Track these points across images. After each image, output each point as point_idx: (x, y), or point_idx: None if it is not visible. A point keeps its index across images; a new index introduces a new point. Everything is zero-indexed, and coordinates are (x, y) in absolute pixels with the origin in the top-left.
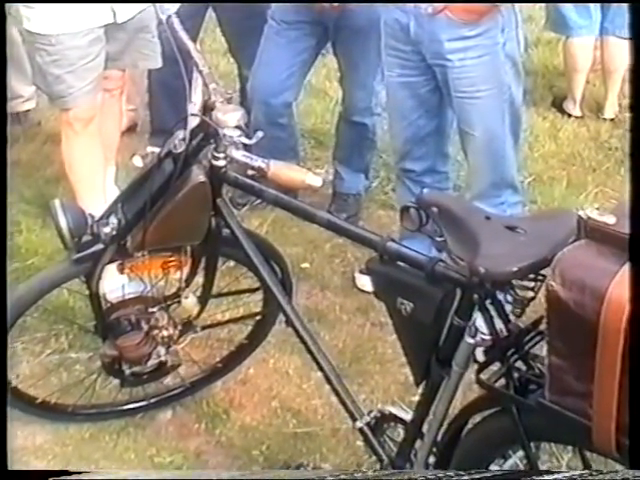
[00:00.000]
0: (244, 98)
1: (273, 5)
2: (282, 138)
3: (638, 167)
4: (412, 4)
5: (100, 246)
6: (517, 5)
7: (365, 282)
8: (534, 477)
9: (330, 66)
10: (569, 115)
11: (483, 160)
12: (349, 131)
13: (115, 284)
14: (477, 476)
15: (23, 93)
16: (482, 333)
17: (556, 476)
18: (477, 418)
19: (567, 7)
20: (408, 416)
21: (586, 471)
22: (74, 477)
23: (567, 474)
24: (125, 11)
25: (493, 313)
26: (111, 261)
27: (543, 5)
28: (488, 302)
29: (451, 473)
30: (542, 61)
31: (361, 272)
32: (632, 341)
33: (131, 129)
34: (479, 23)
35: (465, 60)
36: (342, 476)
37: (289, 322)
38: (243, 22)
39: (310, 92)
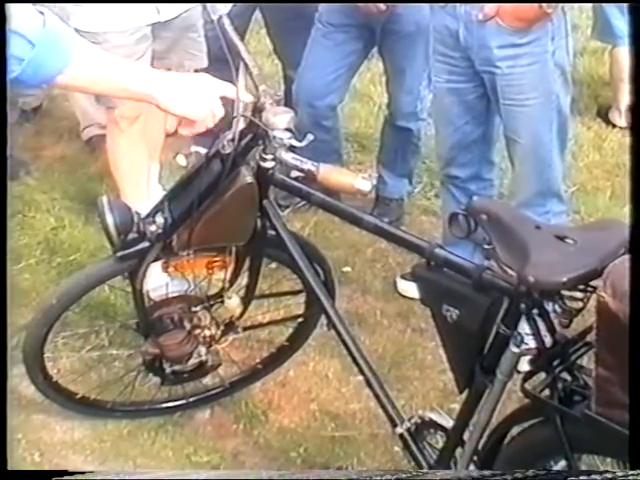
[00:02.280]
0: (289, 100)
1: (321, 8)
2: (326, 141)
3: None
4: (463, 10)
5: (146, 244)
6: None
7: (407, 287)
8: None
9: (375, 70)
10: (614, 125)
11: (529, 168)
12: (394, 136)
13: (159, 282)
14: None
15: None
16: (528, 342)
17: (594, 476)
18: (519, 428)
19: (614, 15)
20: (449, 423)
21: (625, 471)
22: (75, 477)
23: (608, 475)
24: (169, 9)
25: (540, 323)
26: (156, 259)
27: (590, 13)
28: (535, 312)
29: (487, 473)
30: (587, 70)
31: (404, 277)
32: (632, 340)
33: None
34: (529, 31)
35: (514, 67)
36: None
37: (332, 325)
38: (289, 23)
39: (354, 96)
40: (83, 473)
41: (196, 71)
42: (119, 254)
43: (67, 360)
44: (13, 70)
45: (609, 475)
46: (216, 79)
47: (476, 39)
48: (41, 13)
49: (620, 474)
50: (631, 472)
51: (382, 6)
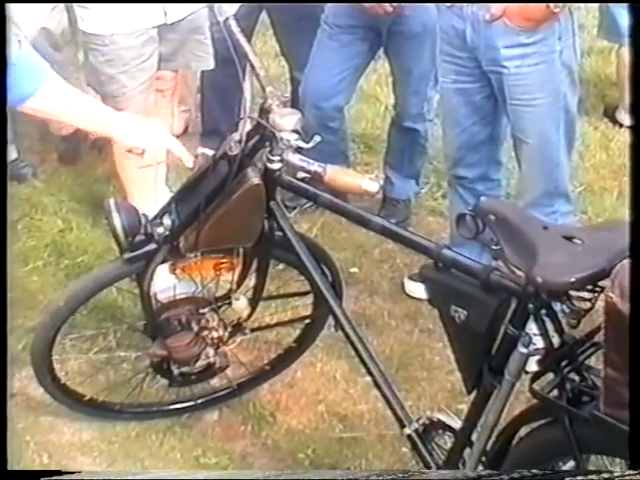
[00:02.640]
0: (295, 101)
1: (327, 9)
2: (333, 142)
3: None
4: (470, 10)
5: (153, 246)
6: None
7: (414, 288)
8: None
9: (381, 71)
10: (621, 125)
11: (537, 168)
12: (401, 137)
13: (166, 284)
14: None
15: None
16: (536, 343)
17: (604, 475)
18: (527, 428)
19: (621, 15)
20: (457, 424)
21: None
22: (67, 477)
23: (617, 473)
24: (176, 11)
25: (548, 323)
26: (163, 261)
27: (596, 13)
28: (543, 312)
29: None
30: (594, 70)
31: (411, 278)
32: (632, 340)
33: (183, 130)
34: (536, 30)
35: (521, 67)
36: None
37: (339, 326)
38: (296, 24)
39: (361, 97)
40: (73, 473)
41: (203, 73)
42: (126, 256)
43: (75, 362)
44: None
45: (606, 475)
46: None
47: (483, 39)
48: (18, 37)
49: (617, 474)
50: (630, 472)
51: (389, 7)
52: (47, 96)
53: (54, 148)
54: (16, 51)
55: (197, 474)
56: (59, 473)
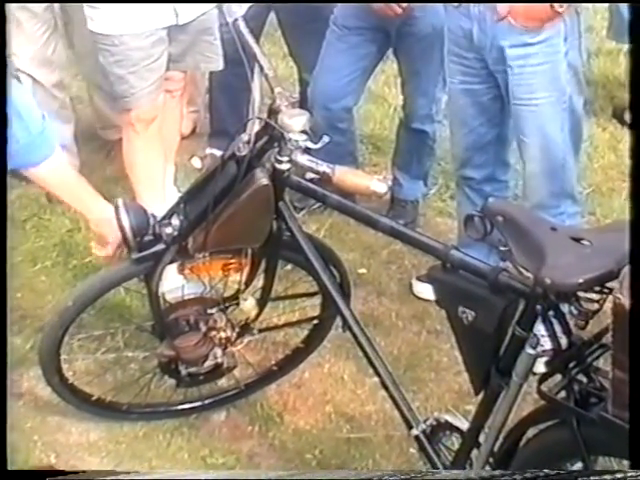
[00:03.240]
0: (304, 102)
1: (335, 10)
2: (341, 143)
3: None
4: (477, 10)
5: (161, 246)
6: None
7: (422, 289)
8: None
9: (389, 72)
10: (630, 126)
11: (541, 169)
12: (409, 138)
13: (175, 284)
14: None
15: None
16: (544, 344)
17: (617, 475)
18: (535, 430)
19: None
20: (464, 425)
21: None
22: (72, 477)
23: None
24: (187, 13)
25: (556, 324)
26: (172, 261)
27: (605, 15)
28: (551, 313)
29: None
30: (603, 71)
31: (419, 279)
32: (632, 340)
33: (191, 130)
34: (541, 30)
35: (525, 67)
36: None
37: (347, 327)
38: (305, 26)
39: (369, 98)
40: (77, 473)
41: (211, 73)
42: (135, 256)
43: (83, 362)
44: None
45: (619, 475)
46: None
47: (489, 39)
48: (43, 115)
49: (631, 474)
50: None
51: (398, 9)
52: (48, 170)
53: None
54: (38, 121)
55: (204, 474)
56: (62, 473)
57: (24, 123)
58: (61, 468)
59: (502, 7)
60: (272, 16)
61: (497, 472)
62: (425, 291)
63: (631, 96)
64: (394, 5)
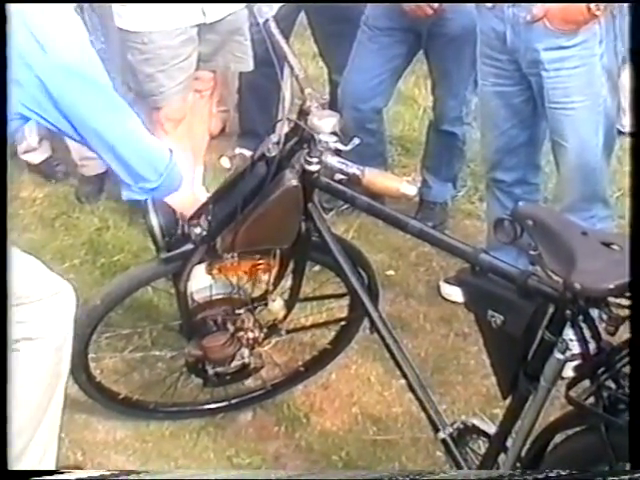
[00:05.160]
0: (334, 103)
1: (366, 11)
2: (371, 144)
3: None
4: (510, 12)
5: (190, 246)
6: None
7: (450, 292)
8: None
9: (419, 73)
10: (630, 134)
11: (575, 172)
12: (439, 140)
13: (203, 284)
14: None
15: None
16: (572, 349)
17: (624, 477)
18: (562, 435)
19: None
20: (491, 429)
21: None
22: (62, 477)
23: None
24: (215, 11)
25: (585, 330)
26: (200, 261)
27: None
28: (580, 318)
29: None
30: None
31: (447, 282)
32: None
33: (220, 130)
34: (577, 33)
35: (561, 70)
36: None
37: (375, 328)
38: (335, 26)
39: (399, 99)
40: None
41: (241, 73)
42: (163, 256)
43: (110, 360)
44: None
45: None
46: None
47: (523, 41)
48: (170, 150)
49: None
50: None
51: (429, 9)
52: (176, 196)
53: None
54: (165, 162)
55: (230, 474)
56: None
57: (151, 167)
58: (87, 466)
59: (538, 9)
60: (302, 16)
61: (506, 472)
62: (453, 293)
63: (632, 95)
64: (425, 6)
